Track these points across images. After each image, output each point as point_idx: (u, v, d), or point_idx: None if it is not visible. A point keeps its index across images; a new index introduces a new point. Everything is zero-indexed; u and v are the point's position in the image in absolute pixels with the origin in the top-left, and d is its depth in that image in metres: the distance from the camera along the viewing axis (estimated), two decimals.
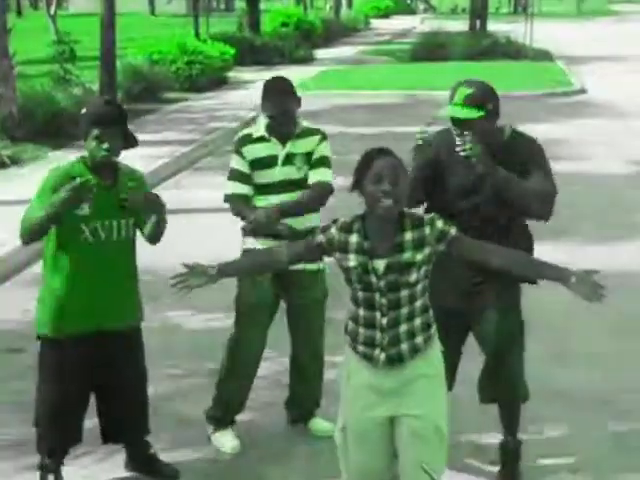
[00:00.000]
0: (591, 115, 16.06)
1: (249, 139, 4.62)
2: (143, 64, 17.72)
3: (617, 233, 8.62)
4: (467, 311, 4.29)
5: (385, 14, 53.88)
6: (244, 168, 4.59)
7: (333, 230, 3.45)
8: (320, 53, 27.87)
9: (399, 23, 48.04)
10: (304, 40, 28.20)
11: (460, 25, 32.29)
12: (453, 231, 3.41)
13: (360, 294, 3.44)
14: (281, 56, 25.10)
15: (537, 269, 3.65)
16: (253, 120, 14.59)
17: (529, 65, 23.18)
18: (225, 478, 4.50)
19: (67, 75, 15.56)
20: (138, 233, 4.26)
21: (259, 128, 4.63)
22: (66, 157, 11.77)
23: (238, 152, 4.61)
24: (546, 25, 37.65)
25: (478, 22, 30.44)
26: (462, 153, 4.02)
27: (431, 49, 25.98)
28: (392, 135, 12.04)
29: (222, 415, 4.75)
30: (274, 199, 4.54)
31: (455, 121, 4.07)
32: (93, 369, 4.21)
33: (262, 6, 28.94)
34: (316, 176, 4.58)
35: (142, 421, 4.43)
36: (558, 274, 3.56)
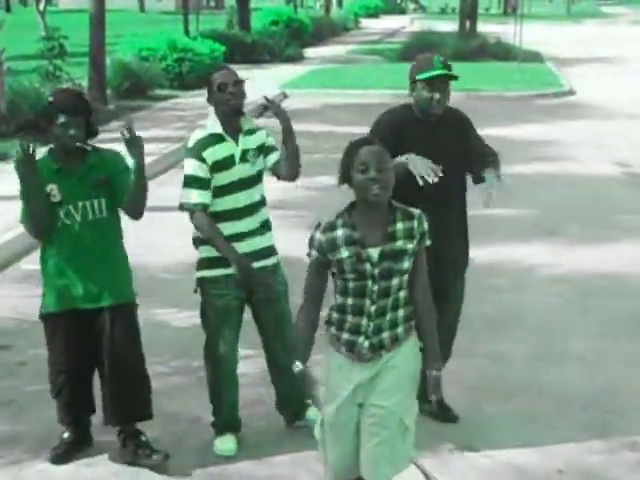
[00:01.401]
0: (580, 116, 16.11)
1: (208, 141, 4.44)
2: (132, 61, 17.68)
3: (604, 234, 8.65)
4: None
5: (375, 14, 53.92)
6: (205, 174, 4.42)
7: (318, 236, 3.48)
8: (310, 52, 27.87)
9: (389, 23, 48.07)
10: (294, 39, 28.19)
11: (450, 25, 32.33)
12: (428, 242, 3.55)
13: (351, 284, 3.47)
14: (271, 54, 25.09)
15: (426, 334, 3.62)
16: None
17: (518, 66, 23.21)
18: (211, 474, 4.49)
19: (56, 71, 15.50)
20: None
21: (215, 127, 4.48)
22: None
23: (198, 157, 4.41)
24: (536, 27, 37.74)
25: (468, 23, 30.47)
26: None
27: (420, 49, 25.87)
28: None
29: (219, 422, 4.75)
30: (230, 199, 4.47)
31: (434, 81, 4.45)
32: (84, 344, 4.42)
33: (252, 4, 28.89)
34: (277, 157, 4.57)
35: (132, 403, 4.48)
36: (429, 356, 3.63)
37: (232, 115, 4.47)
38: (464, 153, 4.66)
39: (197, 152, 4.43)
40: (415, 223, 3.48)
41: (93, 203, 4.35)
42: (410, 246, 3.46)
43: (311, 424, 4.77)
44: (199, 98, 17.28)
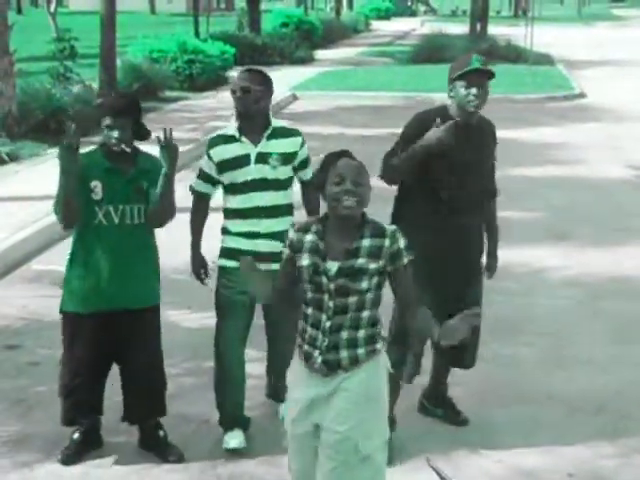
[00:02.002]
0: (591, 119, 16.07)
1: (218, 140, 4.61)
2: (143, 62, 17.72)
3: (615, 237, 8.62)
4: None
5: (385, 16, 53.93)
6: (210, 170, 4.62)
7: (291, 234, 3.45)
8: (320, 54, 27.87)
9: (399, 25, 48.06)
10: (304, 41, 28.20)
11: (460, 28, 32.29)
12: (406, 260, 3.37)
13: (309, 294, 3.40)
14: (281, 56, 25.10)
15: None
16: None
17: (529, 69, 23.18)
18: (220, 475, 4.49)
19: (67, 73, 15.53)
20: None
21: (230, 128, 4.64)
22: None
23: (207, 154, 4.63)
24: (547, 29, 37.66)
25: (478, 25, 30.44)
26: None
27: (431, 51, 25.97)
28: (392, 137, 12.01)
29: (224, 418, 4.77)
30: (244, 197, 4.55)
31: (472, 76, 4.41)
32: (106, 347, 4.44)
33: (262, 6, 28.92)
34: (308, 174, 4.69)
35: (153, 403, 4.55)
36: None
37: (242, 118, 4.55)
38: (487, 165, 4.71)
39: (207, 149, 4.67)
40: (386, 242, 3.33)
41: (133, 208, 4.34)
42: (373, 266, 3.31)
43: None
44: (209, 100, 17.33)
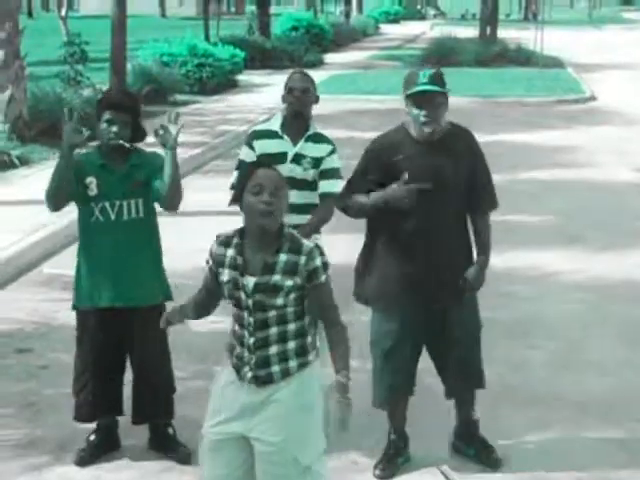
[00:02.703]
0: (601, 122, 16.03)
1: (262, 133, 4.84)
2: (153, 66, 17.76)
3: (626, 241, 8.59)
4: (429, 313, 4.39)
5: (395, 19, 53.92)
6: (251, 160, 4.68)
7: (214, 247, 3.41)
8: (330, 57, 27.90)
9: (409, 29, 48.05)
10: (314, 44, 28.24)
11: (470, 31, 32.26)
12: (323, 278, 3.31)
13: (233, 310, 3.38)
14: (291, 60, 25.10)
15: (336, 356, 3.35)
16: (263, 122, 14.61)
17: (539, 72, 23.14)
18: None
19: (77, 76, 15.59)
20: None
21: (274, 124, 4.85)
22: None
23: (249, 144, 4.81)
24: (557, 32, 37.57)
25: (488, 29, 30.41)
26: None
27: (441, 55, 25.93)
28: None
29: None
30: None
31: (420, 97, 4.18)
32: (112, 344, 4.47)
33: (272, 10, 28.96)
34: (328, 187, 4.77)
35: (159, 404, 4.57)
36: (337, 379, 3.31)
37: (293, 117, 4.80)
38: (462, 181, 4.32)
39: (249, 140, 4.85)
40: (302, 259, 3.26)
41: (130, 203, 4.38)
42: (289, 283, 3.25)
43: None
44: (219, 103, 17.37)
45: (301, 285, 3.29)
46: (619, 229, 9.04)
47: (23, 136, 12.19)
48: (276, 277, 3.26)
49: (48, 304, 6.76)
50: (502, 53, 26.76)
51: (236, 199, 3.33)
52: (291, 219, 4.65)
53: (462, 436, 4.69)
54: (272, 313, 3.30)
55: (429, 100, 4.18)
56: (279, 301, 3.28)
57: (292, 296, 3.29)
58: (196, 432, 4.84)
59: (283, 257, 3.27)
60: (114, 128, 4.30)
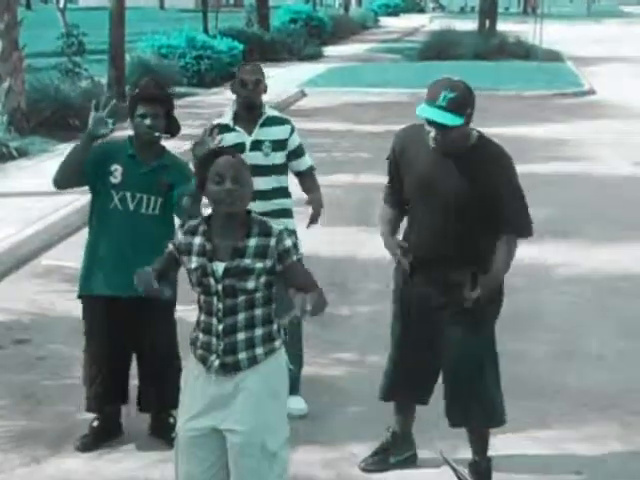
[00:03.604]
0: (600, 116, 16.03)
1: (221, 128, 4.77)
2: (151, 58, 17.73)
3: (622, 234, 8.60)
4: (430, 329, 4.20)
5: (394, 12, 53.83)
6: None
7: (179, 235, 3.41)
8: (329, 50, 27.85)
9: (408, 21, 47.98)
10: (313, 37, 28.19)
11: (469, 24, 32.19)
12: (295, 258, 3.29)
13: (201, 297, 3.36)
14: (290, 52, 25.10)
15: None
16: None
17: (539, 65, 23.12)
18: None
19: (75, 68, 15.56)
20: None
21: (225, 118, 4.90)
22: None
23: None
24: (556, 26, 37.51)
25: (487, 22, 30.37)
26: None
27: (440, 48, 25.94)
28: None
29: None
30: None
31: (435, 125, 3.90)
32: (119, 333, 4.50)
33: (271, 2, 28.91)
34: (302, 165, 4.99)
35: (165, 392, 4.55)
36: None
37: (246, 109, 4.86)
38: (475, 203, 3.98)
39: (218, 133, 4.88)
40: (272, 241, 3.26)
41: (150, 198, 4.41)
42: (259, 265, 3.25)
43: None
44: (218, 96, 17.32)
45: (271, 267, 3.28)
46: (617, 222, 9.04)
47: (21, 128, 12.18)
48: (247, 261, 3.26)
49: (46, 295, 6.76)
50: (501, 46, 26.74)
51: (199, 187, 3.35)
52: (258, 206, 4.62)
53: (477, 473, 4.34)
54: (242, 298, 3.29)
55: (439, 129, 3.89)
56: (250, 284, 3.27)
57: (262, 280, 3.29)
58: None
59: (253, 241, 3.28)
60: (148, 121, 4.34)
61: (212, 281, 3.30)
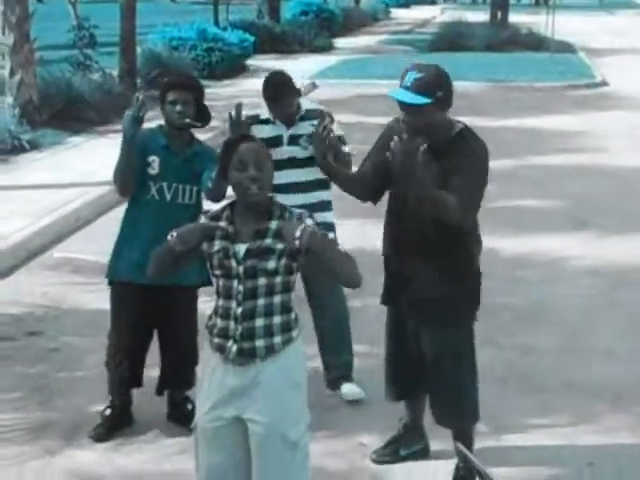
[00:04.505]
0: (612, 107, 15.94)
1: (257, 119, 4.91)
2: (163, 50, 17.73)
3: (635, 226, 8.56)
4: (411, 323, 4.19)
5: (405, 4, 53.66)
6: None
7: (203, 221, 3.42)
8: (340, 42, 27.78)
9: (419, 13, 47.84)
10: (324, 29, 28.10)
11: (481, 16, 32.07)
12: (320, 234, 3.26)
13: (220, 281, 3.37)
14: (300, 44, 25.02)
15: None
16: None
17: (551, 57, 23.02)
18: None
19: (87, 61, 15.58)
20: None
21: (264, 111, 4.95)
22: (84, 142, 11.82)
23: None
24: (568, 17, 37.34)
25: (499, 13, 30.25)
26: (392, 144, 3.73)
27: (451, 39, 25.82)
28: None
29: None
30: (282, 174, 4.63)
31: (401, 105, 3.88)
32: (145, 318, 4.59)
33: None
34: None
35: (183, 373, 4.68)
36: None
37: (287, 124, 4.91)
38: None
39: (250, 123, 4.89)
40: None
41: (186, 188, 4.50)
42: (280, 246, 3.28)
43: (343, 397, 4.97)
44: (229, 88, 17.32)
45: (291, 249, 3.26)
46: (630, 214, 9.01)
47: (33, 120, 12.19)
48: (268, 241, 3.30)
49: (58, 287, 6.79)
50: (513, 38, 26.60)
51: (221, 173, 3.41)
52: (298, 198, 4.71)
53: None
54: (262, 281, 3.29)
55: (405, 109, 3.87)
56: (271, 264, 3.28)
57: (283, 261, 3.30)
58: None
59: (274, 223, 3.32)
60: (178, 107, 4.41)
61: (233, 263, 3.31)
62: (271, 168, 3.35)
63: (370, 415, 4.87)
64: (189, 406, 4.72)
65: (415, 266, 4.03)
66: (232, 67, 19.30)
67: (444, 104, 3.89)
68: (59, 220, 8.18)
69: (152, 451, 4.58)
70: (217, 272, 3.36)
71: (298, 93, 4.97)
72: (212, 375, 3.42)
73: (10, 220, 8.01)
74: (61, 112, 12.72)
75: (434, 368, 4.14)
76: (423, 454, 4.51)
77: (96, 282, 5.96)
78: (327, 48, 25.67)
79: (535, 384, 5.33)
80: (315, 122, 4.53)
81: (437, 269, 4.00)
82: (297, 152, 4.85)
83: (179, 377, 4.75)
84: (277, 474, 3.35)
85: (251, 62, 20.78)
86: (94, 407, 4.81)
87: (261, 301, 3.32)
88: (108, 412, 4.72)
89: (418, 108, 3.81)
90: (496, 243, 7.81)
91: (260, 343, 3.32)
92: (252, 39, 20.79)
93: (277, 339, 3.35)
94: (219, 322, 3.38)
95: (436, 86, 3.83)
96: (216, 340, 3.39)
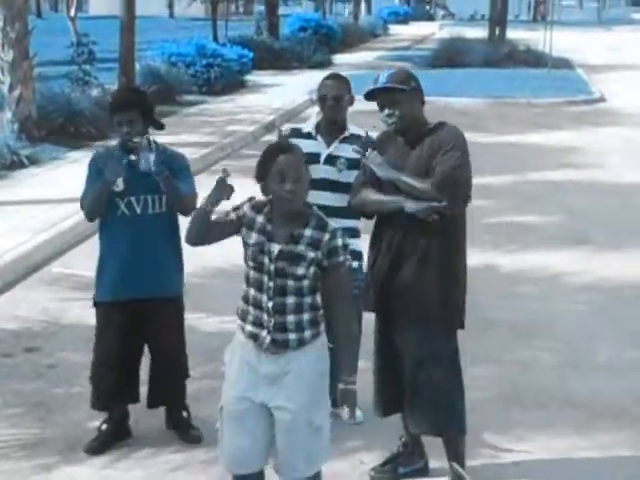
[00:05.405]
0: (610, 124, 15.99)
1: (298, 133, 4.87)
2: (161, 66, 17.77)
3: (633, 242, 8.56)
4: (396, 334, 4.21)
5: (404, 20, 53.85)
6: None
7: (246, 208, 3.59)
8: (338, 58, 27.87)
9: (418, 29, 48.00)
10: (322, 45, 28.18)
11: (479, 32, 32.21)
12: (342, 258, 3.49)
13: (252, 273, 3.54)
14: (299, 60, 25.09)
15: (340, 345, 3.58)
16: (271, 124, 14.63)
17: (548, 73, 23.09)
18: None
19: (86, 77, 15.60)
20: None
21: (308, 125, 4.92)
22: (83, 158, 11.83)
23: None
24: (566, 33, 37.46)
25: (497, 29, 30.36)
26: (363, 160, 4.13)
27: (450, 56, 25.92)
28: None
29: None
30: (313, 194, 4.54)
31: (380, 99, 4.12)
32: (132, 334, 4.58)
33: (281, 11, 28.97)
34: None
35: (171, 390, 4.71)
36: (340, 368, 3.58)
37: (327, 123, 4.83)
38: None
39: (289, 137, 4.85)
40: (326, 236, 3.48)
41: (154, 198, 4.48)
42: (311, 255, 3.46)
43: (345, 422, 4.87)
44: (227, 104, 17.37)
45: (320, 260, 3.47)
46: (628, 230, 9.01)
47: (32, 136, 12.21)
48: (301, 247, 3.47)
49: (57, 303, 6.77)
50: (511, 54, 26.72)
51: (258, 180, 3.52)
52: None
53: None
54: (290, 282, 3.48)
55: (388, 98, 4.09)
56: (300, 270, 3.46)
57: (312, 270, 3.48)
58: (206, 430, 4.87)
59: (309, 232, 3.48)
60: (124, 129, 4.40)
61: (266, 260, 3.49)
62: (307, 176, 3.51)
63: (370, 433, 4.85)
64: (184, 414, 4.79)
65: (409, 272, 4.09)
66: (231, 83, 19.34)
67: (419, 95, 4.18)
68: (58, 235, 8.16)
69: (150, 467, 4.56)
70: (250, 263, 3.54)
71: (352, 99, 4.90)
72: (243, 360, 3.59)
73: (9, 235, 8.00)
74: (60, 128, 12.74)
75: (415, 370, 4.13)
76: (422, 472, 4.49)
77: None
78: (326, 64, 25.71)
79: (534, 399, 5.31)
80: (356, 147, 4.54)
81: (433, 272, 4.08)
82: (331, 173, 4.72)
83: (171, 393, 4.75)
84: (302, 455, 3.57)
85: (250, 78, 20.84)
86: (91, 423, 4.79)
87: (291, 299, 3.51)
88: (104, 427, 4.71)
89: (397, 99, 4.06)
90: (494, 258, 7.83)
91: (292, 336, 3.53)
92: (251, 55, 20.86)
93: (307, 333, 3.55)
94: (252, 310, 3.56)
95: (409, 79, 4.16)
96: (249, 328, 3.57)
